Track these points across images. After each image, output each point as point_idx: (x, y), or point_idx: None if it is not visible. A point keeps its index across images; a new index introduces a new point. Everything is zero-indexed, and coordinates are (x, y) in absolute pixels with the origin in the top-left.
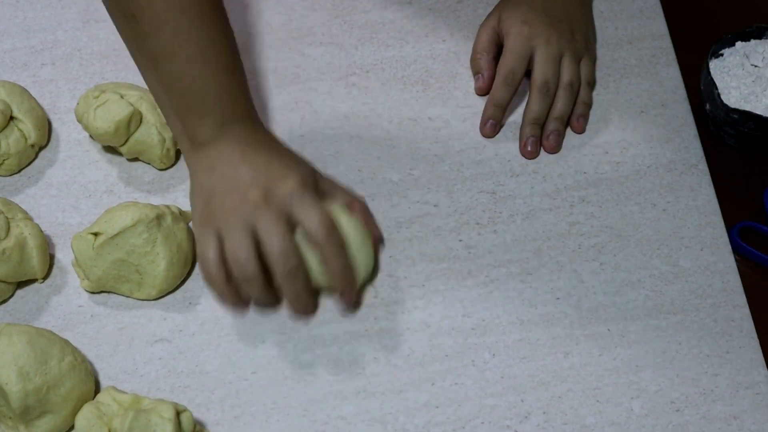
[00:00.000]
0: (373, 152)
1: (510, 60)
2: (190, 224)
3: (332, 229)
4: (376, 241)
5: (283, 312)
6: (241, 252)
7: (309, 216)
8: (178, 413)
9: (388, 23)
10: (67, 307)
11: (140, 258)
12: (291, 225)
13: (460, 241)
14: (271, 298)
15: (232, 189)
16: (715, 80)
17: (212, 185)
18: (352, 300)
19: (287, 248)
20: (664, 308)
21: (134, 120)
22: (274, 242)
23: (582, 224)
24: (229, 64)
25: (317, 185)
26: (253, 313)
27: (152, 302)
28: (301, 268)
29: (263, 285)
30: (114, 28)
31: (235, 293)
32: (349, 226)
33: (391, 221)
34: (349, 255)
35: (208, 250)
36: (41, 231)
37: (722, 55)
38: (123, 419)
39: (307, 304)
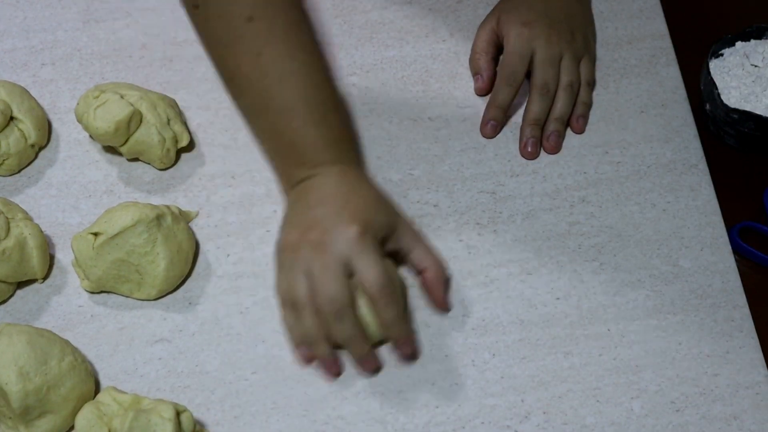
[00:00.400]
0: (373, 152)
1: (511, 61)
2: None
3: (386, 281)
4: (439, 306)
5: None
6: (299, 290)
7: (364, 266)
8: (178, 413)
9: (388, 23)
10: (67, 307)
11: (140, 258)
12: (348, 270)
13: (460, 241)
14: (320, 344)
15: (299, 226)
16: (715, 80)
17: (291, 222)
18: (409, 351)
19: (335, 292)
20: (664, 308)
21: (134, 120)
22: (322, 287)
23: (582, 224)
24: (318, 114)
25: (394, 234)
26: (253, 314)
27: (152, 302)
28: (348, 311)
29: (310, 317)
30: (114, 28)
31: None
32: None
33: None
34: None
35: (298, 288)
36: (41, 231)
37: (722, 55)
38: (123, 419)
39: (362, 348)
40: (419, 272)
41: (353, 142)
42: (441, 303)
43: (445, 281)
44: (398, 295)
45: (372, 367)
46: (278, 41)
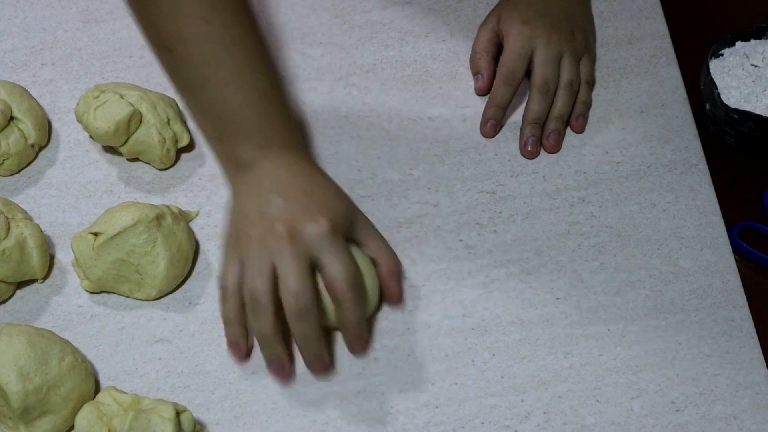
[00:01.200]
0: (373, 152)
1: (510, 60)
2: (191, 224)
3: (354, 282)
4: (393, 300)
5: (298, 367)
6: (258, 283)
7: (333, 264)
8: (178, 413)
9: (388, 23)
10: (67, 307)
11: (140, 258)
12: (312, 265)
13: (460, 241)
14: (276, 341)
15: (261, 219)
16: (715, 80)
17: (244, 211)
18: (362, 350)
19: (302, 289)
20: (664, 308)
21: (134, 120)
22: (290, 280)
23: (582, 224)
24: (266, 89)
25: (352, 227)
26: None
27: (152, 302)
28: (312, 312)
29: (272, 318)
30: (114, 28)
31: (242, 324)
32: (361, 262)
33: (391, 221)
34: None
35: (228, 276)
36: (41, 231)
37: (722, 55)
38: (123, 419)
39: (319, 350)
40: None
41: (296, 122)
42: (395, 297)
43: (398, 274)
44: (363, 298)
45: (323, 368)
46: (224, 8)
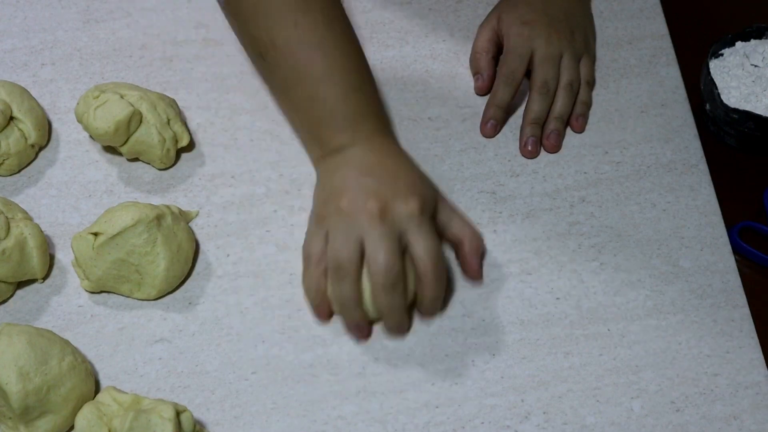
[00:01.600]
0: None
1: (510, 60)
2: (190, 223)
3: (438, 262)
4: (473, 276)
5: (376, 331)
6: (344, 253)
7: (420, 244)
8: (178, 413)
9: (388, 23)
10: (67, 307)
11: (140, 258)
12: (401, 244)
13: None
14: (357, 306)
15: (351, 195)
16: (715, 80)
17: (333, 187)
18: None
19: (392, 263)
20: (664, 308)
21: (134, 120)
22: (379, 255)
23: (582, 224)
24: (356, 82)
25: (436, 208)
26: (253, 314)
27: (152, 302)
28: (400, 284)
29: (356, 284)
30: (114, 28)
31: (323, 292)
32: None
33: None
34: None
35: (313, 245)
36: (41, 231)
37: (722, 55)
38: (123, 419)
39: (402, 320)
40: (456, 244)
41: (387, 114)
42: (475, 273)
43: (480, 252)
44: (445, 277)
45: (404, 333)
46: (314, 11)
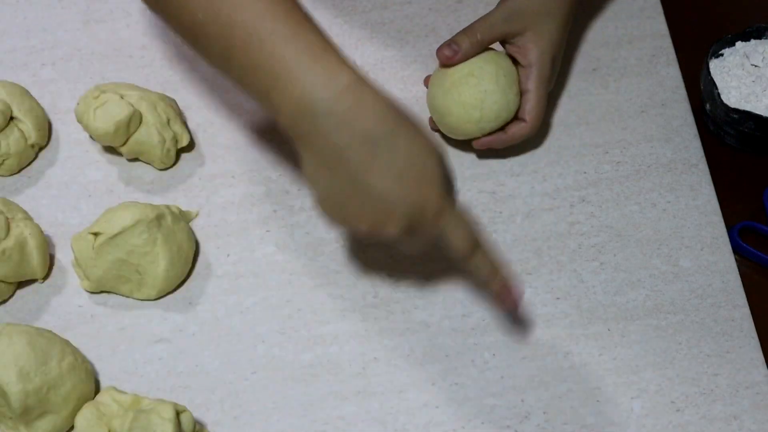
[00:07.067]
0: None
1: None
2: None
3: (476, 242)
4: (511, 307)
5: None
6: (463, 240)
7: (456, 236)
8: (178, 413)
9: (388, 23)
10: (67, 307)
11: (140, 258)
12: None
13: None
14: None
15: (368, 206)
16: (715, 80)
17: (339, 185)
18: (514, 299)
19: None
20: (664, 308)
21: (134, 120)
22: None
23: (582, 224)
24: (293, 28)
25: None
26: (253, 314)
27: (152, 302)
28: (481, 246)
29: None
30: (114, 28)
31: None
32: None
33: None
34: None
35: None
36: (41, 231)
37: (722, 55)
38: (123, 419)
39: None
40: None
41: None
42: (512, 301)
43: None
44: (486, 249)
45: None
46: None
